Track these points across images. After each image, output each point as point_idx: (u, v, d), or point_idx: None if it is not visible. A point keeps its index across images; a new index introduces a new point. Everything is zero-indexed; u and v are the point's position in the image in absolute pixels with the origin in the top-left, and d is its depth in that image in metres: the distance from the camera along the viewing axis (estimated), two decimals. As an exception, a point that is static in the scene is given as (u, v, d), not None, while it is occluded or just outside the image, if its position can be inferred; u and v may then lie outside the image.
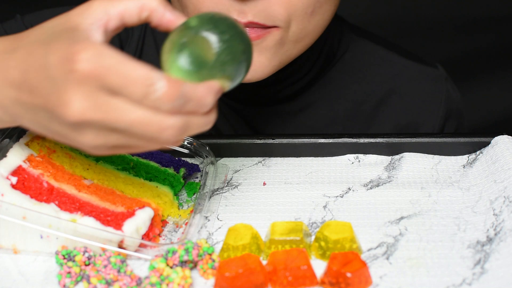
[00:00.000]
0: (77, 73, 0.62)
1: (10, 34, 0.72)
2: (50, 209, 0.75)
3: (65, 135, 0.66)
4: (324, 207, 0.85)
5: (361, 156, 0.94)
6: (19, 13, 1.11)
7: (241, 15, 0.85)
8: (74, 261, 0.74)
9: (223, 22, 0.68)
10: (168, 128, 0.63)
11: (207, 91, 0.65)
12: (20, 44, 0.68)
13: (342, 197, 0.86)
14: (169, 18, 0.69)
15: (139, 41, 1.11)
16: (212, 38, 0.66)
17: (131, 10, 0.68)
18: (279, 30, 0.88)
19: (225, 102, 1.09)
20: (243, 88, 0.98)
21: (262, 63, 0.90)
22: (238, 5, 0.85)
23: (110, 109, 0.62)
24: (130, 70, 0.62)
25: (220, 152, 0.94)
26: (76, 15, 0.67)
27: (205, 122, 0.67)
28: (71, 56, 0.62)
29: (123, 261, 0.73)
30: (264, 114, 1.09)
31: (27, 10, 1.13)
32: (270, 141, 0.94)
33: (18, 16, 1.11)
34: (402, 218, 0.82)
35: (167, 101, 0.62)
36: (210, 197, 0.86)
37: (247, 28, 0.87)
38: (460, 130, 1.18)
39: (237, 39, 0.68)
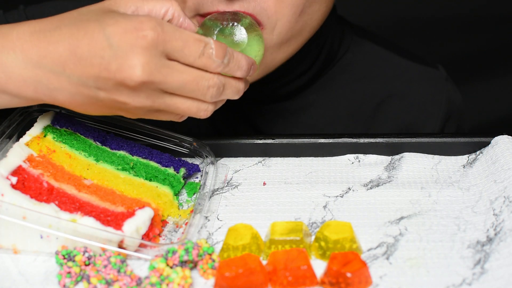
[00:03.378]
0: (144, 40, 0.71)
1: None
2: (50, 209, 0.75)
3: (112, 100, 0.74)
4: (324, 207, 0.85)
5: (361, 156, 0.94)
6: (23, 3, 1.12)
7: (228, 7, 0.85)
8: (74, 261, 0.74)
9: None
10: (211, 87, 0.75)
11: (242, 55, 0.79)
12: (63, 23, 0.74)
13: (342, 197, 0.86)
14: (188, 23, 0.80)
15: None
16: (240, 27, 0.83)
17: (157, 12, 0.78)
18: (262, 32, 0.87)
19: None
20: None
21: None
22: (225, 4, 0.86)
23: (168, 71, 0.73)
24: (187, 34, 0.74)
25: (220, 152, 0.94)
26: (109, 5, 0.76)
27: (237, 87, 0.79)
28: (138, 25, 0.72)
29: (123, 261, 0.73)
30: (265, 112, 1.09)
31: (30, 1, 1.14)
32: (270, 141, 0.94)
33: (21, 7, 1.11)
34: (402, 218, 0.82)
35: (219, 57, 0.75)
36: (210, 197, 0.86)
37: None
38: (461, 131, 1.18)
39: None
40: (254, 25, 0.84)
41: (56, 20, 0.75)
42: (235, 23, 0.83)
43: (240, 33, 0.82)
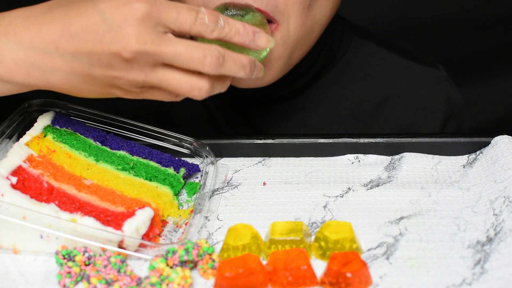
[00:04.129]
0: (138, 11, 0.72)
1: None
2: (50, 209, 0.75)
3: (107, 76, 0.74)
4: (324, 207, 0.85)
5: (361, 156, 0.94)
6: (21, 6, 1.12)
7: None
8: (74, 261, 0.74)
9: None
10: (208, 56, 0.73)
11: (239, 22, 0.77)
12: (54, 6, 0.75)
13: (342, 197, 0.86)
14: None
15: None
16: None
17: None
18: (279, 28, 0.88)
19: (225, 100, 1.09)
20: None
21: (268, 68, 0.90)
22: None
23: (162, 41, 0.73)
24: (179, 4, 0.74)
25: (220, 152, 0.94)
26: None
27: (240, 60, 0.76)
28: None
29: (123, 261, 0.73)
30: (265, 113, 1.09)
31: (29, 4, 1.13)
32: (270, 141, 0.94)
33: None
34: (402, 218, 0.82)
35: (212, 21, 0.74)
36: (210, 197, 0.86)
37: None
38: (461, 130, 1.18)
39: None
40: (263, 23, 0.85)
41: (48, 4, 0.76)
42: (240, 15, 0.83)
43: None
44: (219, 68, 0.75)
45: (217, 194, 0.88)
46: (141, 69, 0.74)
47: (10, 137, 0.86)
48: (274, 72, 0.92)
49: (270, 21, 0.88)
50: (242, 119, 1.10)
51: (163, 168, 0.88)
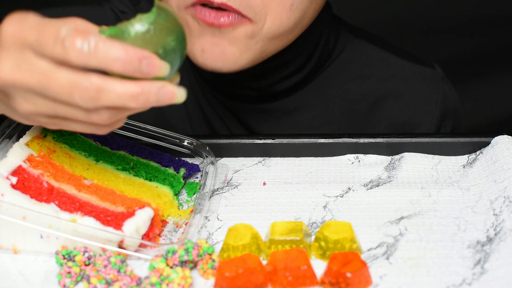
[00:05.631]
0: (2, 36, 0.66)
1: None
2: (50, 209, 0.75)
3: (4, 103, 0.70)
4: (324, 207, 0.85)
5: (361, 156, 0.94)
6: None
7: None
8: (74, 261, 0.74)
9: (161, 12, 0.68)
10: (83, 90, 0.64)
11: (122, 47, 0.64)
12: None
13: (342, 197, 0.86)
14: None
15: None
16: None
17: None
18: (251, 23, 0.88)
19: (218, 98, 1.09)
20: (233, 82, 0.98)
21: (233, 54, 0.90)
22: None
23: (34, 70, 0.65)
24: (46, 24, 0.65)
25: (220, 152, 0.94)
26: None
27: (125, 90, 0.65)
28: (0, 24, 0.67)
29: (123, 261, 0.73)
30: (258, 112, 1.09)
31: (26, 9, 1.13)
32: (270, 141, 0.94)
33: None
34: (402, 218, 0.82)
35: (72, 42, 0.63)
36: (210, 197, 0.86)
37: (220, 11, 0.87)
38: (457, 130, 1.18)
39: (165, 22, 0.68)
40: (167, 26, 0.69)
41: None
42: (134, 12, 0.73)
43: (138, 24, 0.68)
44: (94, 101, 0.65)
45: (217, 194, 0.88)
46: (24, 98, 0.67)
47: (10, 137, 0.86)
48: (243, 62, 0.91)
49: (244, 16, 0.87)
50: (235, 119, 1.10)
51: (163, 168, 0.88)
